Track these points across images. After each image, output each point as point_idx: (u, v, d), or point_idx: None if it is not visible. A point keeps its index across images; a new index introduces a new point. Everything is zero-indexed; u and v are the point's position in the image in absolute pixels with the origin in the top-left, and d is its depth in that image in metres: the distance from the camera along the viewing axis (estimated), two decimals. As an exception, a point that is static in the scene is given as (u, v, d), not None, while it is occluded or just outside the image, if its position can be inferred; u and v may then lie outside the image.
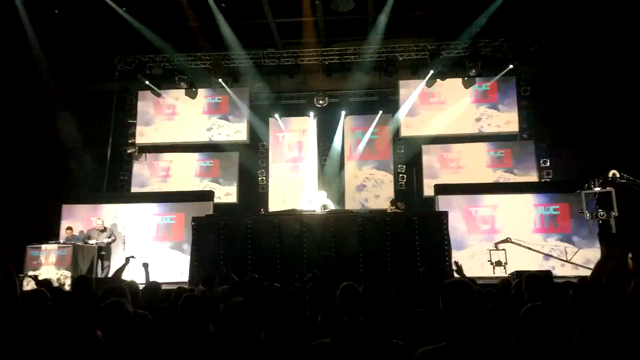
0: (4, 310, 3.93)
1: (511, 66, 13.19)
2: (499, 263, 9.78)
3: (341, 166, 14.52)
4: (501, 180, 13.19)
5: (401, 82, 14.11)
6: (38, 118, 12.79)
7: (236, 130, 14.43)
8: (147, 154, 14.52)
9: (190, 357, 2.67)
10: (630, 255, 4.89)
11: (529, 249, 10.32)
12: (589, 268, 10.15)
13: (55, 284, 7.99)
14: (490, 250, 10.27)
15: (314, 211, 10.20)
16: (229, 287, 5.39)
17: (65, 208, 12.13)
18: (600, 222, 10.05)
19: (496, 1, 11.69)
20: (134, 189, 14.14)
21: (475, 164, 13.70)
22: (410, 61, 13.86)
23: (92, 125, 13.97)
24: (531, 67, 13.53)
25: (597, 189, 10.26)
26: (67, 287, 8.97)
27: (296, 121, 14.86)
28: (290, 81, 14.51)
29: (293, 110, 15.00)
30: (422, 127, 13.99)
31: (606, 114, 12.29)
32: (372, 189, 14.14)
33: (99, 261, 10.60)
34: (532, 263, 10.19)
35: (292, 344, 2.80)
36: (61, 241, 10.64)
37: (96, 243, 10.62)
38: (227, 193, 14.08)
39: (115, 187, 14.12)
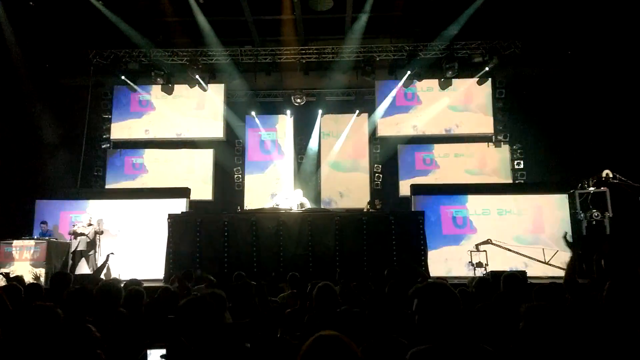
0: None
1: (487, 68, 13.42)
2: (479, 264, 9.77)
3: (317, 165, 14.55)
4: (476, 182, 13.29)
5: (378, 82, 14.19)
6: (11, 112, 12.47)
7: (212, 127, 14.32)
8: (122, 149, 14.30)
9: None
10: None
11: (509, 250, 10.33)
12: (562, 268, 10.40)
13: (30, 281, 7.84)
14: (471, 251, 10.25)
15: (291, 209, 10.22)
16: (205, 287, 5.38)
17: (39, 204, 11.88)
18: (595, 222, 10.11)
19: (474, 4, 11.89)
20: (108, 185, 13.92)
21: (451, 164, 13.89)
22: (388, 61, 13.99)
23: (66, 120, 13.71)
24: (506, 69, 13.78)
25: (592, 188, 10.31)
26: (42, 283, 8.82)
27: (273, 119, 14.83)
28: (268, 79, 14.49)
29: (270, 108, 14.97)
30: (398, 127, 14.13)
31: (580, 117, 12.62)
32: (349, 188, 14.20)
33: (81, 257, 10.25)
34: (512, 264, 10.24)
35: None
36: (35, 237, 10.41)
37: (86, 235, 10.31)
38: (202, 190, 13.96)
39: (90, 183, 13.87)
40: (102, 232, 10.75)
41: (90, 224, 10.53)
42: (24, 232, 10.77)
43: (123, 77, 13.68)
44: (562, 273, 9.89)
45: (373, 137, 14.45)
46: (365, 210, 11.81)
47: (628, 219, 10.22)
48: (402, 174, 13.89)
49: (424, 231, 9.55)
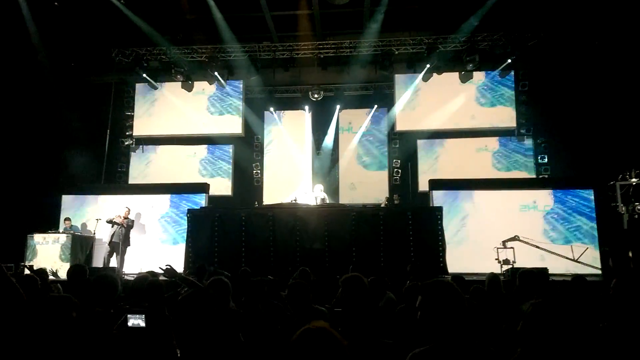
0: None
1: (509, 60, 13.11)
2: (506, 261, 9.37)
3: (335, 160, 14.52)
4: (497, 176, 13.03)
5: (397, 76, 14.05)
6: (38, 109, 12.81)
7: (231, 124, 14.44)
8: (144, 145, 14.55)
9: None
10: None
11: (537, 247, 9.95)
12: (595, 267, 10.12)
13: (50, 274, 8.06)
14: (497, 248, 9.76)
15: (309, 205, 10.24)
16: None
17: (65, 199, 12.22)
18: (637, 216, 9.56)
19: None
20: (130, 181, 14.20)
21: (472, 159, 13.66)
22: (407, 55, 13.77)
23: (91, 117, 14.02)
24: (530, 61, 13.42)
25: (634, 180, 9.79)
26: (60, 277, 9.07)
27: (291, 115, 14.86)
28: (286, 74, 14.49)
29: (288, 103, 15.00)
30: (418, 122, 13.94)
31: (606, 110, 12.13)
32: (366, 183, 14.14)
33: (113, 253, 10.47)
34: (539, 261, 9.76)
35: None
36: (60, 231, 10.70)
37: (119, 224, 10.52)
38: (222, 186, 14.11)
39: (113, 179, 14.16)
40: (132, 226, 10.94)
41: (126, 217, 10.74)
42: (51, 226, 11.13)
43: (144, 75, 13.86)
44: (592, 270, 9.71)
45: (392, 132, 14.33)
46: (383, 205, 11.74)
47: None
48: (421, 169, 13.74)
49: (442, 227, 9.46)
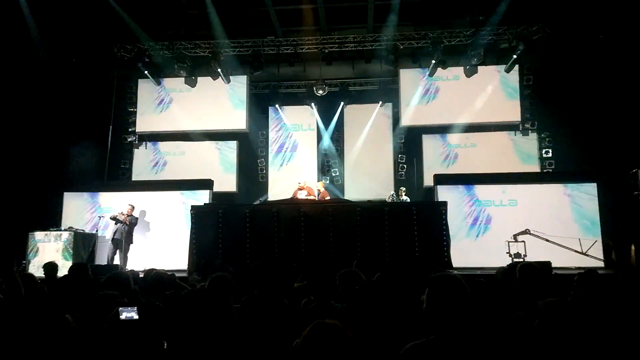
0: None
1: (515, 55, 13.01)
2: (517, 255, 9.26)
3: (340, 155, 14.47)
4: (502, 171, 12.93)
5: (402, 71, 13.96)
6: (39, 106, 12.76)
7: (235, 119, 14.37)
8: (147, 142, 14.51)
9: None
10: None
11: (547, 240, 9.90)
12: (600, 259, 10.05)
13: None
14: (508, 241, 9.67)
15: (314, 199, 10.21)
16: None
17: (67, 196, 12.17)
18: None
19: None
20: (134, 178, 14.16)
21: (477, 153, 13.61)
22: (412, 49, 13.68)
23: (93, 114, 13.92)
24: (535, 55, 13.31)
25: None
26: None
27: (296, 110, 14.80)
28: (290, 70, 14.43)
29: (292, 99, 14.93)
30: (423, 117, 13.87)
31: (611, 104, 12.06)
32: (372, 179, 14.08)
33: (116, 250, 10.43)
34: (552, 255, 9.14)
35: None
36: (62, 228, 10.67)
37: (122, 221, 10.45)
38: (226, 182, 14.06)
39: (117, 176, 14.13)
40: (135, 223, 10.89)
41: (129, 215, 10.68)
42: (52, 223, 11.07)
43: (146, 71, 13.77)
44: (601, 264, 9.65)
45: (397, 126, 14.26)
46: (388, 200, 11.70)
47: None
48: (426, 164, 13.68)
49: (447, 222, 9.42)
